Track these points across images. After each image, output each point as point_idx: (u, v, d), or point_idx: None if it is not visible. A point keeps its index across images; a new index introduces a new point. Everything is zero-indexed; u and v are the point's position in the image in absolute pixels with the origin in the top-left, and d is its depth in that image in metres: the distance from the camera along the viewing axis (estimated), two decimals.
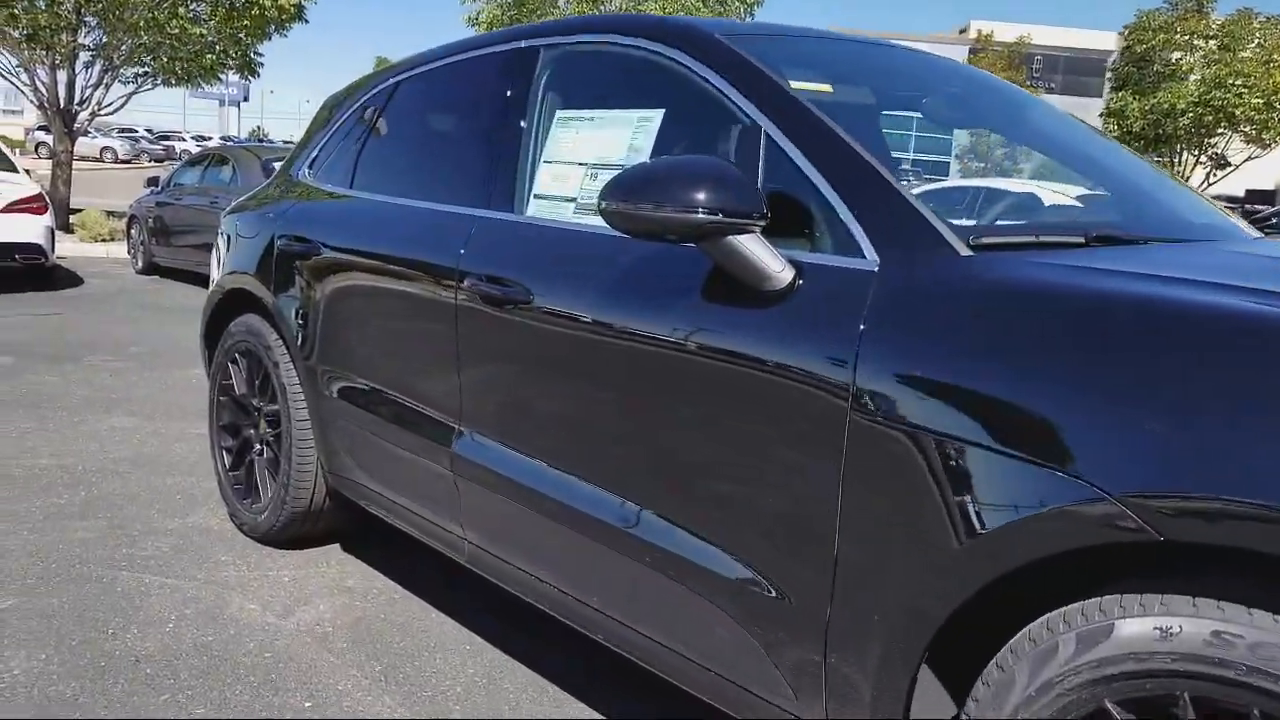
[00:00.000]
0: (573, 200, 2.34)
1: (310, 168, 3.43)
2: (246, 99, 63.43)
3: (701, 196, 1.73)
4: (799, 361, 1.68)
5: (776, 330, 1.73)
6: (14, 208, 9.06)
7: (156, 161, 45.37)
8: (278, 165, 9.89)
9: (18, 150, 35.31)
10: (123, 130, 49.29)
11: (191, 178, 10.87)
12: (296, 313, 3.06)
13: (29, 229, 9.10)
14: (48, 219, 9.37)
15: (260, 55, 15.30)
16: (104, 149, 43.62)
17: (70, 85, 13.85)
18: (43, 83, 13.60)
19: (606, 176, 2.25)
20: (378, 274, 2.75)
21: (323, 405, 3.01)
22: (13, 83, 13.95)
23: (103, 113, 14.39)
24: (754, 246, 1.76)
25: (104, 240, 13.14)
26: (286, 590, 3.05)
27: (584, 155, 2.36)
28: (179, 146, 51.46)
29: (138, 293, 9.76)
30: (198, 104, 71.53)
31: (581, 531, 2.13)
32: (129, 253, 11.66)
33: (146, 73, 14.55)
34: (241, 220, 3.52)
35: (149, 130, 56.07)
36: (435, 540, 2.67)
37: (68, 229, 13.33)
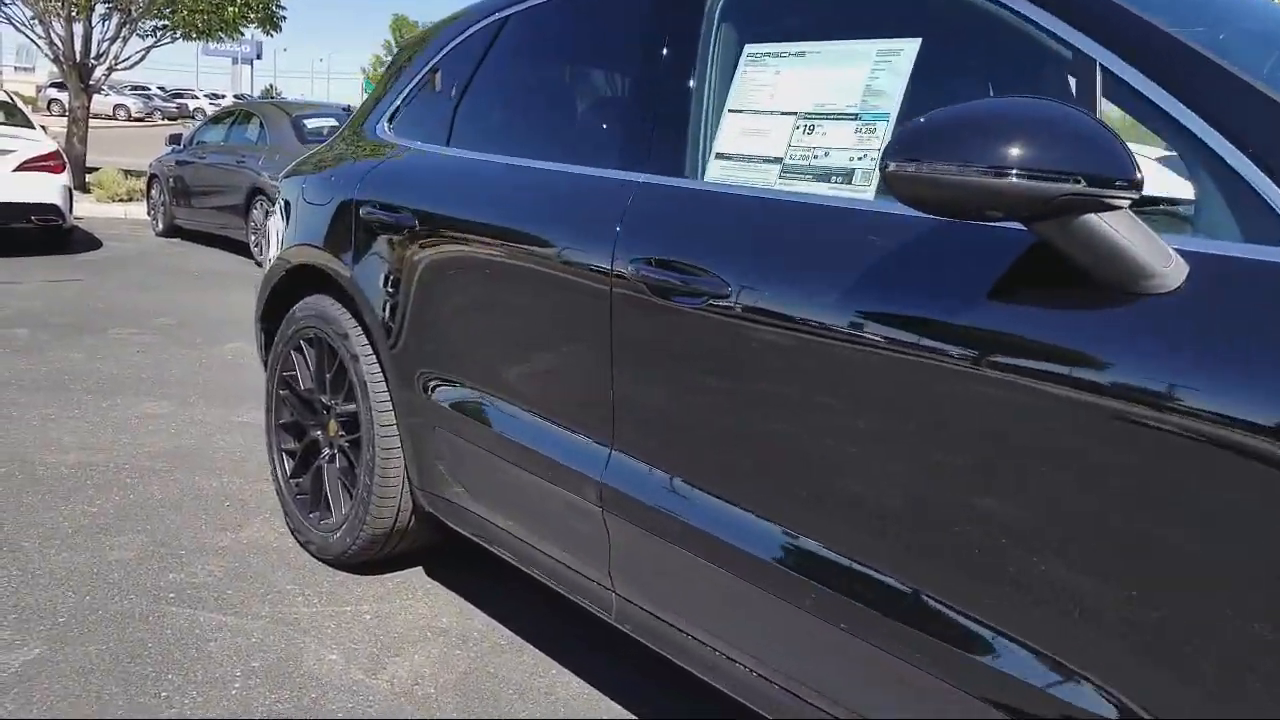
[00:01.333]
0: (776, 161, 1.77)
1: (390, 122, 2.86)
2: (260, 57, 62.55)
3: (1056, 156, 1.17)
4: (1205, 402, 1.13)
5: (1162, 356, 1.18)
6: (30, 165, 8.51)
7: (169, 119, 44.76)
8: (309, 122, 9.39)
9: (30, 107, 34.76)
10: (135, 88, 48.62)
11: (215, 135, 10.28)
12: (384, 297, 2.51)
13: (45, 189, 8.55)
14: (65, 178, 8.82)
15: (283, 8, 14.64)
16: (117, 106, 42.98)
17: (86, 38, 13.24)
18: (58, 35, 12.99)
19: (830, 130, 1.71)
20: (496, 253, 2.19)
21: (416, 410, 2.47)
22: (27, 35, 13.35)
23: (120, 67, 13.78)
24: (1126, 229, 1.20)
25: (122, 200, 12.60)
26: (370, 633, 2.52)
27: (790, 102, 1.79)
28: (192, 104, 50.87)
29: (160, 256, 9.22)
30: (210, 62, 70.72)
31: (798, 603, 1.60)
32: (149, 214, 11.11)
33: (165, 26, 13.90)
34: (309, 184, 2.96)
35: (161, 88, 55.33)
36: (572, 589, 2.14)
37: (84, 188, 12.78)
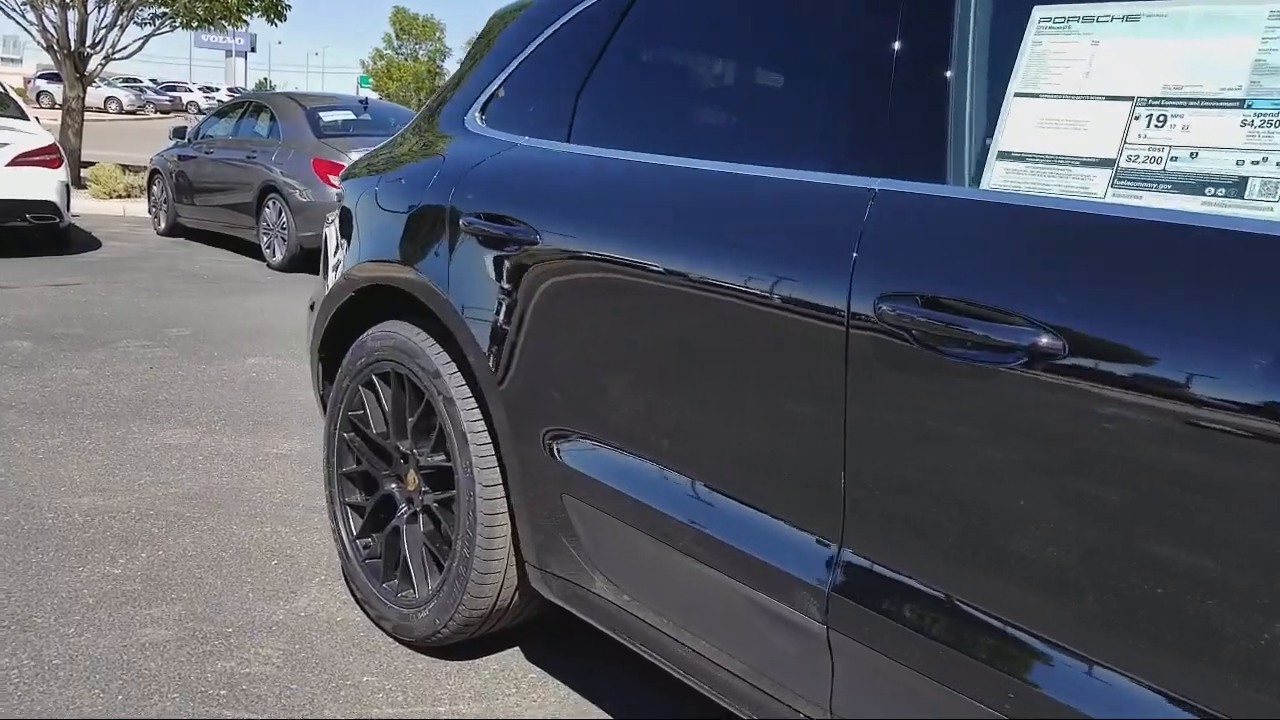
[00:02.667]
0: (1105, 164, 1.28)
1: (483, 112, 2.35)
2: (254, 49, 61.81)
3: None
4: None
5: None
6: (25, 160, 7.96)
7: (163, 113, 44.12)
8: (325, 115, 8.84)
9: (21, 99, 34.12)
10: (127, 80, 47.82)
11: (223, 129, 9.73)
12: (494, 330, 2.01)
13: (42, 185, 8.01)
14: (62, 173, 8.28)
15: None
16: (108, 99, 42.21)
17: (82, 26, 12.65)
18: (52, 22, 12.41)
19: (1197, 122, 1.22)
20: (658, 279, 1.70)
21: (536, 472, 1.97)
22: (18, 22, 12.77)
23: (117, 56, 13.20)
24: None
25: (120, 197, 12.04)
26: None
27: (1122, 83, 1.30)
28: (185, 98, 50.17)
29: (164, 258, 8.68)
30: (203, 55, 69.93)
31: None
32: (150, 211, 10.56)
33: (165, 14, 13.33)
34: (382, 188, 2.45)
35: (154, 81, 54.54)
36: (758, 712, 1.64)
37: (79, 184, 12.21)
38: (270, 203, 8.29)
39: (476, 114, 2.36)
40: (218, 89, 55.62)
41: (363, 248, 2.45)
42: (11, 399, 4.19)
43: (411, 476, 2.36)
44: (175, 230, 10.01)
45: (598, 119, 2.05)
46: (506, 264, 1.99)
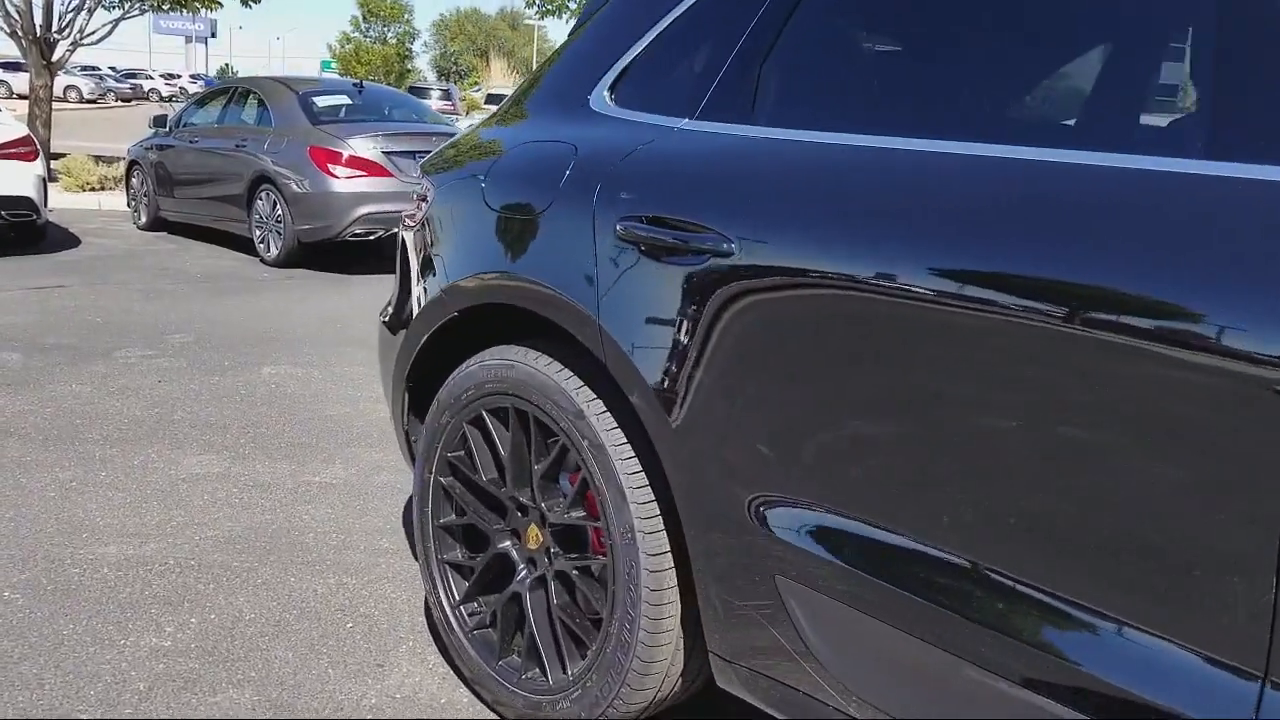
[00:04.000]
0: None
1: (611, 91, 1.94)
2: (214, 35, 60.52)
3: None
4: None
5: None
6: None
7: (124, 101, 42.97)
8: (319, 100, 8.32)
9: None
10: (85, 68, 46.50)
11: (207, 117, 9.18)
12: (667, 363, 1.60)
13: (18, 179, 7.46)
14: (38, 167, 7.73)
15: None
16: (67, 88, 40.84)
17: (48, 10, 12.00)
18: (15, 7, 11.75)
19: None
20: (934, 307, 1.29)
21: (729, 542, 1.57)
22: None
23: (85, 42, 12.54)
24: None
25: (94, 189, 11.45)
26: None
27: None
28: (146, 85, 48.98)
29: (150, 255, 8.15)
30: (163, 41, 68.41)
31: None
32: (129, 205, 9.97)
33: None
34: (491, 184, 2.03)
35: (113, 68, 53.15)
36: None
37: (50, 177, 11.57)
38: (263, 194, 7.79)
39: (605, 94, 1.94)
40: (179, 76, 54.35)
41: (466, 257, 2.03)
42: (10, 423, 3.73)
43: (534, 533, 1.95)
44: (157, 224, 9.46)
45: (796, 94, 1.65)
46: (688, 280, 1.58)
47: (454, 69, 67.29)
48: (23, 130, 7.90)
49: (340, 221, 7.37)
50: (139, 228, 9.60)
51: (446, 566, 2.13)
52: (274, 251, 7.75)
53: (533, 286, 1.84)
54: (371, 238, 7.54)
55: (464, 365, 2.02)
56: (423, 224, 2.21)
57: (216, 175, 8.37)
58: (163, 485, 3.22)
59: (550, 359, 1.84)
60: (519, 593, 1.98)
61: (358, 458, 3.54)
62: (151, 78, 52.11)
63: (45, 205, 7.81)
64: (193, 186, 8.78)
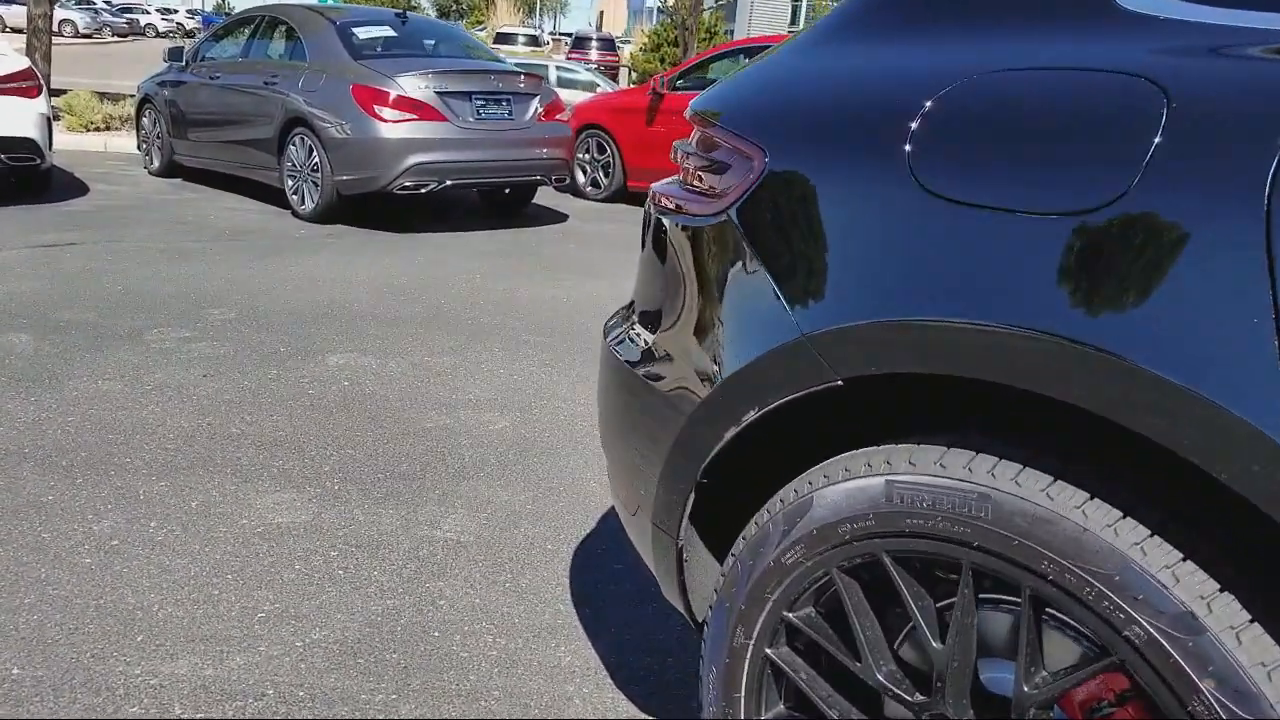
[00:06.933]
0: None
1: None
2: None
3: None
4: None
5: None
6: None
7: (120, 36, 41.47)
8: (360, 31, 7.24)
9: None
10: (80, 1, 44.90)
11: (230, 50, 8.18)
12: None
13: (19, 118, 6.52)
14: (42, 104, 6.77)
15: None
16: (62, 21, 39.36)
17: None
18: None
19: None
20: None
21: None
22: None
23: None
24: None
25: (99, 129, 10.48)
26: None
27: None
28: (143, 19, 47.33)
29: (167, 205, 7.22)
30: None
31: None
32: (140, 147, 9.00)
33: None
34: (924, 147, 1.13)
35: (108, 2, 51.40)
36: None
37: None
38: (297, 139, 6.84)
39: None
40: (176, 11, 52.61)
41: (871, 286, 1.15)
42: (23, 439, 2.87)
43: None
44: (171, 170, 8.51)
45: None
46: None
47: (455, 7, 65.34)
48: (24, 63, 6.93)
49: (388, 172, 6.43)
50: (151, 173, 8.66)
51: None
52: (309, 205, 6.83)
53: (1096, 364, 0.95)
54: (423, 191, 6.61)
55: (839, 471, 1.16)
56: (741, 218, 1.32)
57: (242, 117, 7.41)
58: (234, 544, 2.37)
59: (1099, 502, 0.97)
60: None
61: (482, 498, 2.69)
62: (148, 12, 50.37)
63: (50, 148, 6.86)
64: (213, 129, 7.83)
